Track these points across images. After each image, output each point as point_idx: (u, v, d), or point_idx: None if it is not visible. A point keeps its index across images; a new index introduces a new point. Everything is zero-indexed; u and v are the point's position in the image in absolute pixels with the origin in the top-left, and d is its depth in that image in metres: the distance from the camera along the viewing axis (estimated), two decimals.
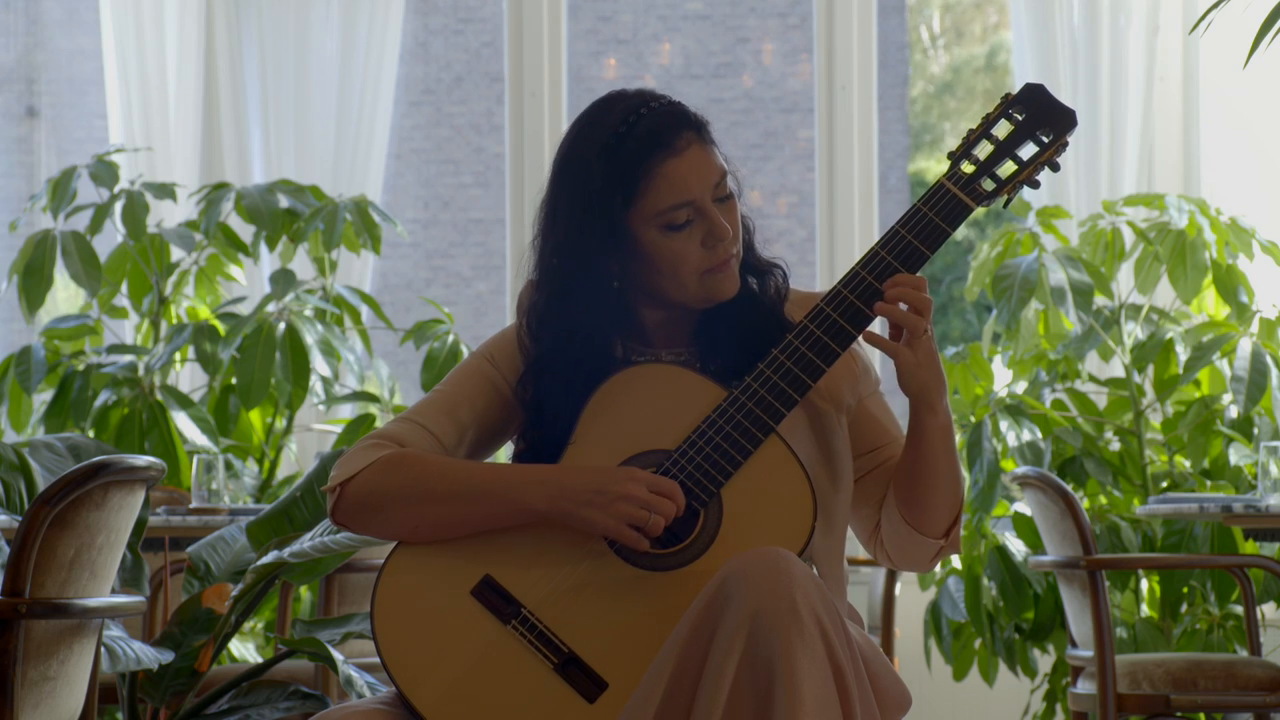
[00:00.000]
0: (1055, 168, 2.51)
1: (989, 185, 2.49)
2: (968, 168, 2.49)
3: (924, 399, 2.48)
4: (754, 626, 2.24)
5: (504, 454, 2.68)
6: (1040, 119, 2.50)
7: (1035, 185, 2.51)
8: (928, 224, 2.47)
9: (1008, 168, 2.50)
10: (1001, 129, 2.50)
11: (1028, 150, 2.50)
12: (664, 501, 2.39)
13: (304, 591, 5.81)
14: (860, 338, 2.48)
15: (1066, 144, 2.51)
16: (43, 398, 6.11)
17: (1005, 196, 2.50)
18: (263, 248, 6.24)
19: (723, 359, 2.54)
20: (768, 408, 2.44)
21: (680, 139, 2.48)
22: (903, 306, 2.46)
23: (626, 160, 2.47)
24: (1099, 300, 5.92)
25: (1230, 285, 5.83)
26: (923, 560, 2.58)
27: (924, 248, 2.46)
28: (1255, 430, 5.74)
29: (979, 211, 2.50)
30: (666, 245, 2.48)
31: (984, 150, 2.50)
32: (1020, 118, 2.50)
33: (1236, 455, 5.69)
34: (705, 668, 2.27)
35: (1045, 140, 2.50)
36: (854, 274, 2.47)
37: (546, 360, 2.52)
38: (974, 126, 2.51)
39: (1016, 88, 2.63)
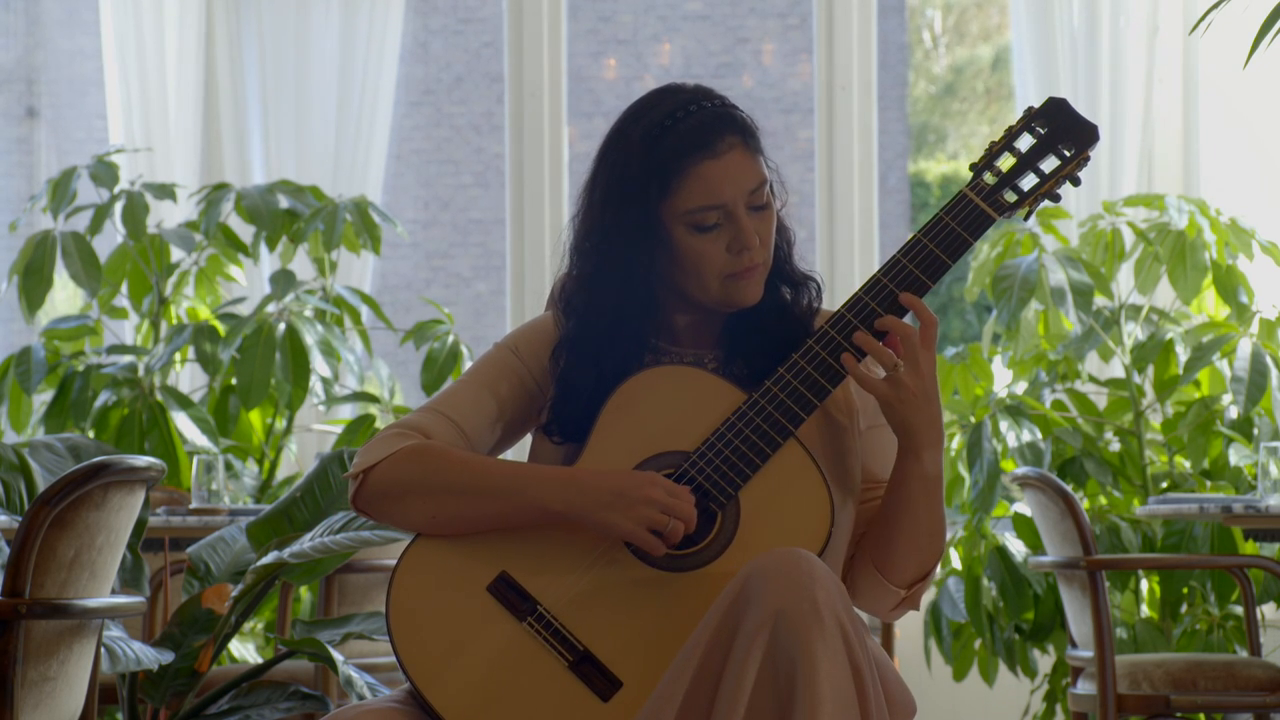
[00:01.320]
0: (1076, 182, 2.53)
1: (1011, 197, 2.51)
2: (990, 179, 2.51)
3: (906, 440, 2.46)
4: (776, 625, 2.25)
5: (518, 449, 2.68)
6: (1062, 133, 2.52)
7: (1056, 199, 2.53)
8: (949, 233, 2.48)
9: (1029, 180, 2.52)
10: (1023, 142, 2.52)
11: (1049, 163, 2.52)
12: (683, 505, 2.39)
13: (304, 592, 5.81)
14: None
15: (1088, 158, 2.52)
16: (43, 398, 6.11)
17: (1026, 209, 2.51)
18: (263, 248, 6.24)
19: (747, 364, 2.54)
20: (787, 412, 2.44)
21: (722, 142, 2.48)
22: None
23: (665, 154, 2.47)
24: (1099, 301, 5.92)
25: (1230, 286, 5.83)
26: (883, 608, 2.56)
27: (945, 257, 2.47)
28: (1255, 431, 5.74)
29: (997, 222, 2.51)
30: (692, 244, 2.49)
31: (1006, 162, 2.51)
32: (1042, 131, 2.52)
33: (1236, 456, 5.69)
34: (727, 666, 2.28)
35: (1067, 154, 2.51)
36: (876, 281, 2.48)
37: (575, 337, 2.54)
38: (996, 139, 2.53)
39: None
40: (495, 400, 2.56)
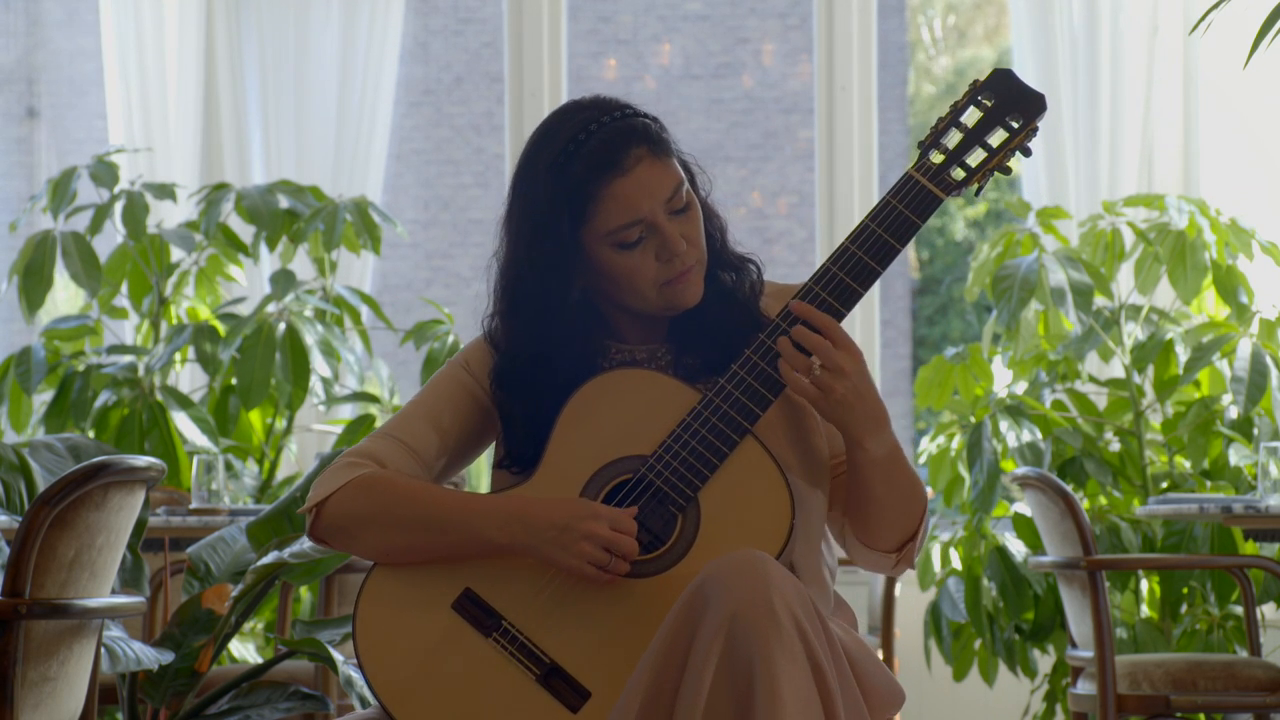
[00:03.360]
0: (1026, 153, 2.47)
1: (959, 174, 2.46)
2: (937, 157, 2.46)
3: (847, 435, 2.46)
4: (732, 629, 2.24)
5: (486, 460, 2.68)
6: (1009, 104, 2.47)
7: (1006, 172, 2.48)
8: (897, 216, 2.44)
9: (978, 155, 2.47)
10: (970, 116, 2.47)
11: (997, 136, 2.47)
12: (626, 540, 2.38)
13: (304, 592, 5.81)
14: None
15: (1036, 129, 2.47)
16: (43, 398, 6.11)
17: (976, 185, 2.47)
18: (263, 248, 6.24)
19: (699, 356, 2.52)
20: (742, 409, 2.42)
21: (628, 157, 2.45)
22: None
23: (574, 181, 2.44)
24: (1099, 301, 5.92)
25: (1230, 286, 5.83)
26: (882, 569, 2.57)
27: (894, 241, 2.43)
28: (1255, 431, 5.73)
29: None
30: (621, 262, 2.47)
31: (953, 139, 2.46)
32: (989, 104, 2.47)
33: (1236, 456, 5.68)
34: (685, 672, 2.27)
35: (1015, 126, 2.46)
36: (825, 270, 2.45)
37: (506, 370, 2.53)
38: (943, 115, 2.49)
39: None
40: (450, 420, 2.55)
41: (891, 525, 2.52)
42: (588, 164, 2.44)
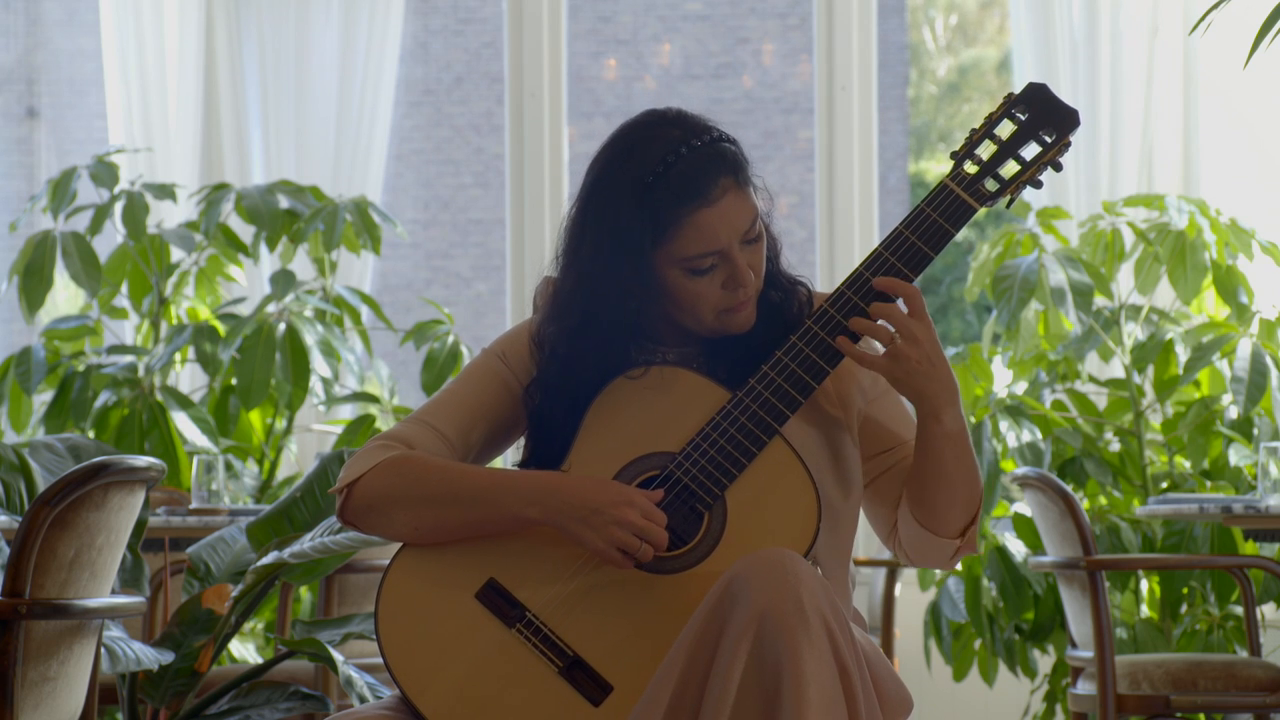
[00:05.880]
0: (1058, 168, 2.51)
1: (992, 186, 2.48)
2: (971, 168, 2.48)
3: (923, 406, 2.46)
4: (761, 627, 2.25)
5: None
6: (1043, 119, 2.50)
7: (1038, 185, 2.50)
8: (931, 224, 2.46)
9: (1010, 168, 2.49)
10: (1004, 129, 2.50)
11: (1030, 150, 2.50)
12: (657, 530, 2.39)
13: (304, 592, 5.81)
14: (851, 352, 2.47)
15: (1069, 144, 2.50)
16: (43, 398, 6.11)
17: (1008, 197, 2.49)
18: (263, 248, 6.24)
19: (730, 362, 2.53)
20: (771, 409, 2.43)
21: (716, 188, 2.44)
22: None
23: (659, 205, 2.43)
24: (1099, 301, 5.92)
25: (1230, 286, 5.83)
26: (941, 559, 2.56)
27: (927, 248, 2.46)
28: (1255, 431, 5.74)
29: (980, 212, 2.49)
30: (687, 286, 2.47)
31: (987, 150, 2.49)
32: (1023, 118, 2.50)
33: (1236, 456, 5.68)
34: (712, 669, 2.28)
35: (1048, 140, 2.49)
36: (858, 274, 2.47)
37: (555, 381, 2.52)
38: (977, 126, 2.51)
39: (1017, 88, 2.62)
40: (482, 408, 2.56)
41: (959, 504, 2.51)
42: (674, 189, 2.43)
